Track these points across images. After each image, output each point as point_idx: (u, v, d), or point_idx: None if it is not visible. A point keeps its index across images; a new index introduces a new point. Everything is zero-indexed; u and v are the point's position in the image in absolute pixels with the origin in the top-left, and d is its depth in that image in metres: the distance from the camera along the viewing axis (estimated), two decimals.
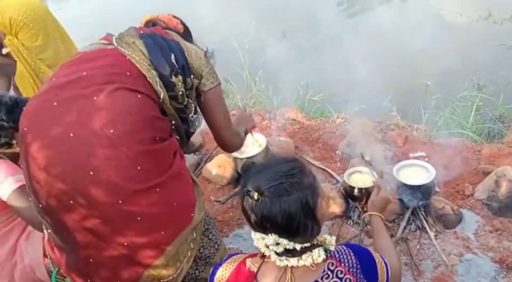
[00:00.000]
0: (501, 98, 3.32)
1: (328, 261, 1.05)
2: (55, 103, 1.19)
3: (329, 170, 2.69)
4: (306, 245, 1.03)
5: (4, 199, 1.68)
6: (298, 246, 1.02)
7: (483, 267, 1.98)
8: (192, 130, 1.51)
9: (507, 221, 2.18)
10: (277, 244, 1.01)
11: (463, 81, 3.59)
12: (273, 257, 1.03)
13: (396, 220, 2.26)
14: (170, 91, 1.32)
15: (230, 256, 1.17)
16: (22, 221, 1.82)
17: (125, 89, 1.21)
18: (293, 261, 1.03)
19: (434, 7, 5.55)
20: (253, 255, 1.13)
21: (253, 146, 2.58)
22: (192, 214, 1.33)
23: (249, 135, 1.89)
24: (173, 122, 1.37)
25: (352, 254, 1.07)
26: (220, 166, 2.75)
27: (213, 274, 1.14)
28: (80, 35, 3.50)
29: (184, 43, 1.42)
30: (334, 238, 1.10)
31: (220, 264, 1.14)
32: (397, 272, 1.18)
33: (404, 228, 2.21)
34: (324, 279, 1.03)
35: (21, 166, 1.52)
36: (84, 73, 1.23)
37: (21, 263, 1.83)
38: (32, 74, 2.91)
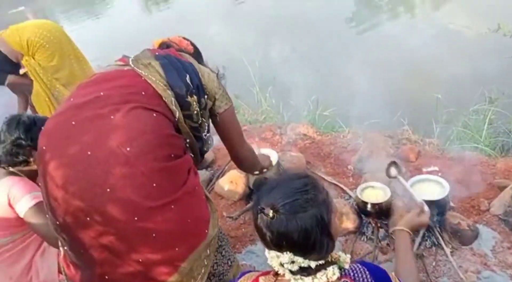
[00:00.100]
0: None
1: (342, 280, 1.04)
2: (73, 123, 1.22)
3: (341, 185, 2.68)
4: (320, 262, 1.02)
5: (21, 215, 1.71)
6: (313, 264, 1.01)
7: None
8: (205, 149, 1.54)
9: None
10: (292, 262, 1.00)
11: (474, 94, 3.57)
12: (288, 275, 1.03)
13: (411, 236, 2.23)
14: (186, 110, 1.36)
15: (243, 273, 1.16)
16: (37, 238, 1.85)
17: (141, 108, 1.24)
18: (307, 280, 1.02)
19: (442, 21, 5.58)
20: (266, 273, 1.12)
21: None
22: (206, 230, 1.33)
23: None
24: (188, 140, 1.39)
25: (367, 272, 1.06)
26: (232, 182, 2.75)
27: None
28: (92, 55, 3.58)
29: (197, 65, 1.47)
30: (348, 256, 1.09)
31: None
32: None
33: (420, 244, 2.17)
34: None
35: (39, 184, 1.55)
36: (101, 93, 1.26)
37: (36, 279, 1.85)
38: (48, 93, 2.99)
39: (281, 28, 6.35)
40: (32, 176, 1.80)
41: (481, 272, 2.00)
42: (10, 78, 2.90)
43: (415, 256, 2.11)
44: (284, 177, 1.14)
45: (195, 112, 1.38)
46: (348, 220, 2.32)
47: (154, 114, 1.25)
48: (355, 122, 3.41)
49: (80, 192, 1.17)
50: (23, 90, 3.09)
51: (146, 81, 1.31)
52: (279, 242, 1.00)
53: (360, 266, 1.08)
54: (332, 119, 3.77)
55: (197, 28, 6.81)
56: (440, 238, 2.16)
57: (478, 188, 2.44)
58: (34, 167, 1.80)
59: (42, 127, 1.33)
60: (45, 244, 1.87)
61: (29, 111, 3.16)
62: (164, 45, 1.58)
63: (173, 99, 1.31)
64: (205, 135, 1.49)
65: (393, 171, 1.93)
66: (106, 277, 1.27)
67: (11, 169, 1.78)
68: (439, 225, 2.21)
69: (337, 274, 1.03)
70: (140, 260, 1.22)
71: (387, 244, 2.22)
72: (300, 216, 0.98)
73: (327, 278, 1.01)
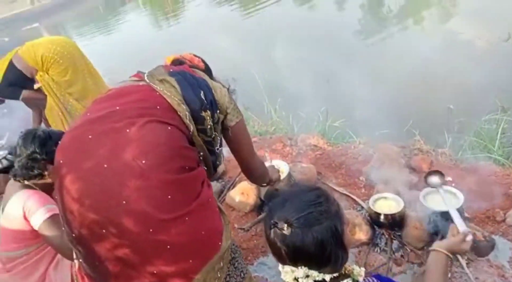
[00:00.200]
0: None
1: None
2: (90, 137, 1.24)
3: (353, 196, 2.66)
4: (335, 275, 1.02)
5: (36, 228, 1.73)
6: (327, 277, 1.00)
7: None
8: (218, 162, 1.55)
9: None
10: (307, 276, 1.00)
11: (486, 103, 3.54)
12: None
13: (424, 248, 2.20)
14: (200, 125, 1.38)
15: None
16: (51, 250, 1.86)
17: (156, 122, 1.26)
18: None
19: (453, 31, 5.58)
20: None
21: None
22: (219, 242, 1.33)
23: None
24: (201, 153, 1.41)
25: None
26: (243, 193, 2.76)
27: None
28: (104, 70, 3.65)
29: (210, 81, 1.50)
30: (363, 269, 1.08)
31: None
32: None
33: None
34: None
35: (54, 197, 1.57)
36: (117, 108, 1.28)
37: None
38: (61, 107, 3.05)
39: (290, 41, 6.40)
40: (47, 189, 1.83)
41: None
42: (25, 93, 2.97)
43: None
44: (296, 190, 1.13)
45: (209, 126, 1.40)
46: (361, 231, 2.30)
47: (169, 127, 1.27)
48: (366, 133, 3.40)
49: (95, 205, 1.19)
50: (37, 105, 3.15)
51: (161, 95, 1.33)
52: (295, 256, 1.00)
53: (375, 280, 1.06)
54: (342, 130, 3.76)
55: (206, 42, 6.91)
56: None
57: (493, 198, 2.41)
58: (48, 180, 1.83)
59: (57, 142, 1.35)
60: (58, 256, 1.88)
61: (43, 125, 3.22)
62: (177, 61, 1.61)
63: (187, 113, 1.33)
64: (218, 149, 1.51)
65: (434, 179, 1.88)
66: None
67: (26, 182, 1.81)
68: None
69: None
70: (155, 272, 1.22)
71: (401, 256, 2.20)
72: (315, 229, 0.98)
73: None
